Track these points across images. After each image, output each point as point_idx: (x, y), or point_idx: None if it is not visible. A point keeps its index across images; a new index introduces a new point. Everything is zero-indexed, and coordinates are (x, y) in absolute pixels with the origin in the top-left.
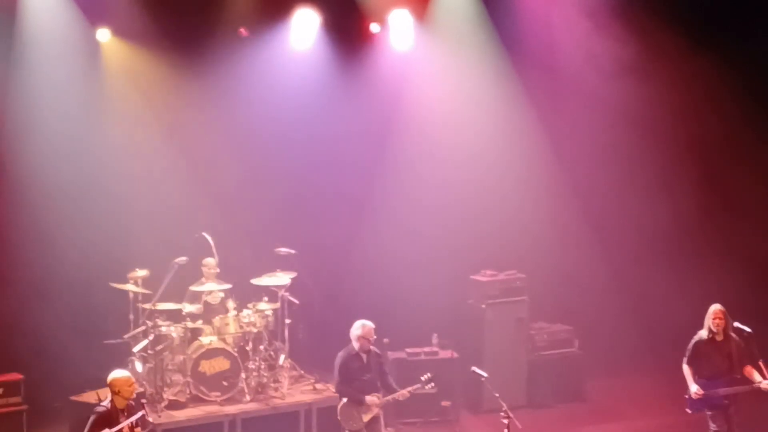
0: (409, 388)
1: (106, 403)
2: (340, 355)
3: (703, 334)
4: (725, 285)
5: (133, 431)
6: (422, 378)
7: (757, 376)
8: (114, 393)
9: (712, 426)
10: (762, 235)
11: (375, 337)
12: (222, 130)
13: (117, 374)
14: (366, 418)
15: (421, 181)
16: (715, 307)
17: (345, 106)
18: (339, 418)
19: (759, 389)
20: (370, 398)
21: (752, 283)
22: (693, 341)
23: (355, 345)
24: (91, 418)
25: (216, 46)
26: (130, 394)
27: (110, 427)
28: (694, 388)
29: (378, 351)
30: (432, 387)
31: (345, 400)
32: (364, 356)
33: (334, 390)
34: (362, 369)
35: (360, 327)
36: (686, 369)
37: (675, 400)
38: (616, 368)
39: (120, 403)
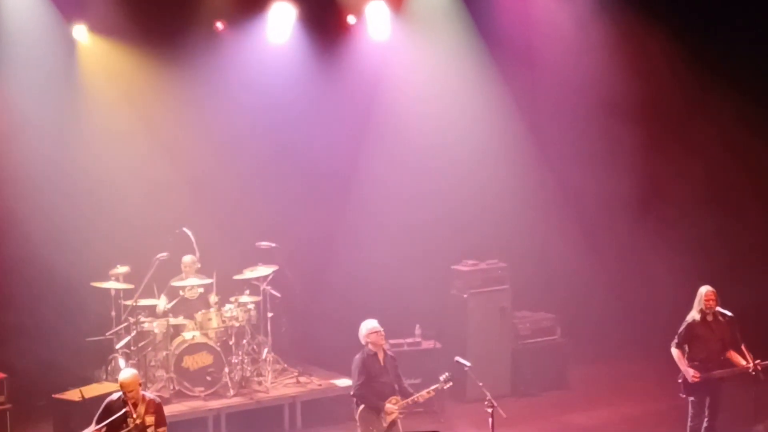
0: (429, 389)
1: (117, 393)
2: (358, 357)
3: (696, 316)
4: (703, 268)
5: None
6: (441, 378)
7: (741, 360)
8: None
9: (692, 410)
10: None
11: (382, 330)
12: (200, 125)
13: (121, 376)
14: (386, 422)
15: (401, 171)
16: (706, 289)
17: (323, 98)
18: (358, 424)
19: (748, 372)
20: (389, 406)
21: (730, 266)
22: (686, 323)
23: (368, 347)
24: (100, 409)
25: (193, 41)
26: (127, 395)
27: (109, 416)
28: (691, 373)
29: (392, 354)
30: (450, 386)
31: (363, 406)
32: (381, 357)
33: (351, 394)
34: (380, 371)
35: (364, 328)
36: (676, 352)
37: (659, 386)
38: (599, 355)
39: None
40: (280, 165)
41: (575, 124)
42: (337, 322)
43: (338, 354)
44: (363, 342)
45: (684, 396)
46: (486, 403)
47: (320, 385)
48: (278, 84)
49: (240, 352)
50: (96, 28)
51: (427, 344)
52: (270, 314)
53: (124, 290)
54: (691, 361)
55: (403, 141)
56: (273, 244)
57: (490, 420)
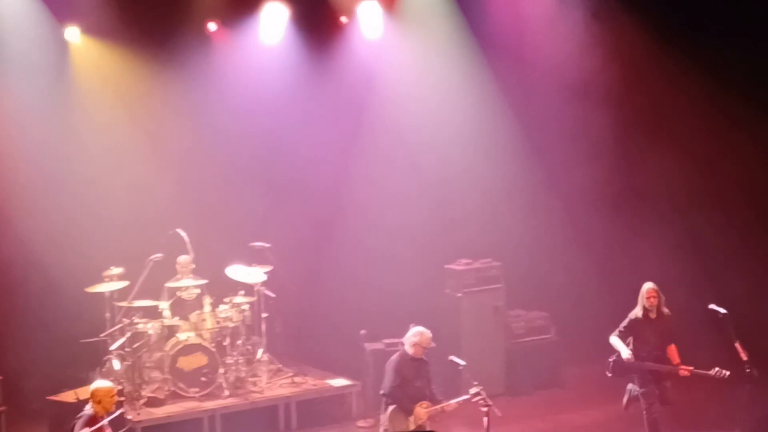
0: (458, 399)
1: (89, 408)
2: (394, 359)
3: (638, 312)
4: (696, 263)
5: None
6: (471, 391)
7: (677, 357)
8: (95, 402)
9: (644, 403)
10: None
11: (433, 345)
12: (193, 126)
13: (100, 384)
14: (412, 425)
15: (394, 170)
16: (649, 286)
17: (316, 98)
18: (386, 424)
19: (677, 373)
20: (419, 409)
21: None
22: (628, 319)
23: (410, 350)
24: (79, 422)
25: (186, 42)
26: (110, 405)
27: (92, 426)
28: (626, 353)
29: (427, 359)
30: (478, 399)
31: (393, 407)
32: (416, 363)
33: (382, 393)
34: (414, 375)
35: (418, 334)
36: (615, 340)
37: None
38: (594, 354)
39: (100, 411)
40: (272, 165)
41: (568, 122)
42: (332, 322)
43: (333, 354)
44: (409, 343)
45: (610, 375)
46: (481, 402)
47: (315, 385)
48: (271, 84)
49: (235, 353)
50: (88, 29)
51: None
52: (264, 315)
53: (119, 292)
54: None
55: (396, 140)
56: (267, 245)
57: (485, 419)
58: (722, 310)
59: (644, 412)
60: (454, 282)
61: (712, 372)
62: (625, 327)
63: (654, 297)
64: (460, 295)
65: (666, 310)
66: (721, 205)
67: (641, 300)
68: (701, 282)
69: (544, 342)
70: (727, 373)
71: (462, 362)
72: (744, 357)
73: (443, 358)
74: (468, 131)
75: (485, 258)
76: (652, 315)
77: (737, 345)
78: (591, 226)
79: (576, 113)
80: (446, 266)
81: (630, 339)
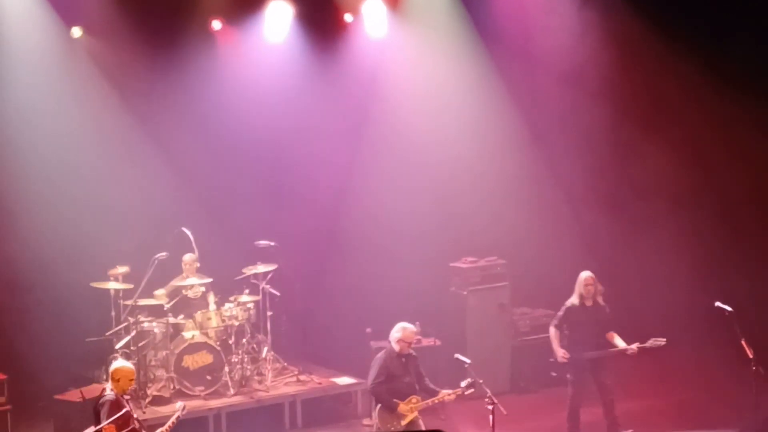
0: (450, 392)
1: (109, 392)
2: (380, 356)
3: (574, 300)
4: (700, 261)
5: (134, 421)
6: (462, 384)
7: (618, 341)
8: (114, 381)
9: (571, 390)
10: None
11: (417, 338)
12: (198, 124)
13: (122, 364)
14: (404, 422)
15: (399, 168)
16: (586, 274)
17: (321, 96)
18: (376, 420)
19: (624, 353)
20: (403, 406)
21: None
22: (564, 307)
23: (395, 347)
24: (105, 407)
25: (190, 40)
26: (127, 386)
27: (119, 411)
28: (560, 353)
29: (415, 353)
30: (471, 392)
31: (380, 404)
32: (403, 359)
33: (368, 389)
34: (402, 371)
35: (400, 330)
36: (553, 333)
37: (658, 382)
38: None
39: (118, 391)
40: (277, 163)
41: (572, 120)
42: (337, 320)
43: (338, 352)
44: (393, 340)
45: (555, 375)
46: (486, 400)
47: (320, 383)
48: (276, 82)
49: (240, 351)
50: (93, 29)
51: (427, 341)
52: (269, 313)
53: (124, 290)
54: (569, 342)
55: (401, 138)
56: (272, 243)
57: (490, 417)
58: (728, 308)
59: (568, 399)
60: (460, 280)
61: (647, 343)
62: (561, 315)
63: (591, 285)
64: (465, 293)
65: (601, 300)
66: (726, 201)
67: (578, 288)
68: (707, 279)
69: (549, 340)
70: (663, 340)
71: (467, 360)
72: (750, 355)
73: (449, 356)
74: (473, 129)
75: (490, 256)
76: (588, 303)
77: (743, 343)
78: (596, 223)
79: (579, 110)
80: (451, 264)
81: (565, 328)
